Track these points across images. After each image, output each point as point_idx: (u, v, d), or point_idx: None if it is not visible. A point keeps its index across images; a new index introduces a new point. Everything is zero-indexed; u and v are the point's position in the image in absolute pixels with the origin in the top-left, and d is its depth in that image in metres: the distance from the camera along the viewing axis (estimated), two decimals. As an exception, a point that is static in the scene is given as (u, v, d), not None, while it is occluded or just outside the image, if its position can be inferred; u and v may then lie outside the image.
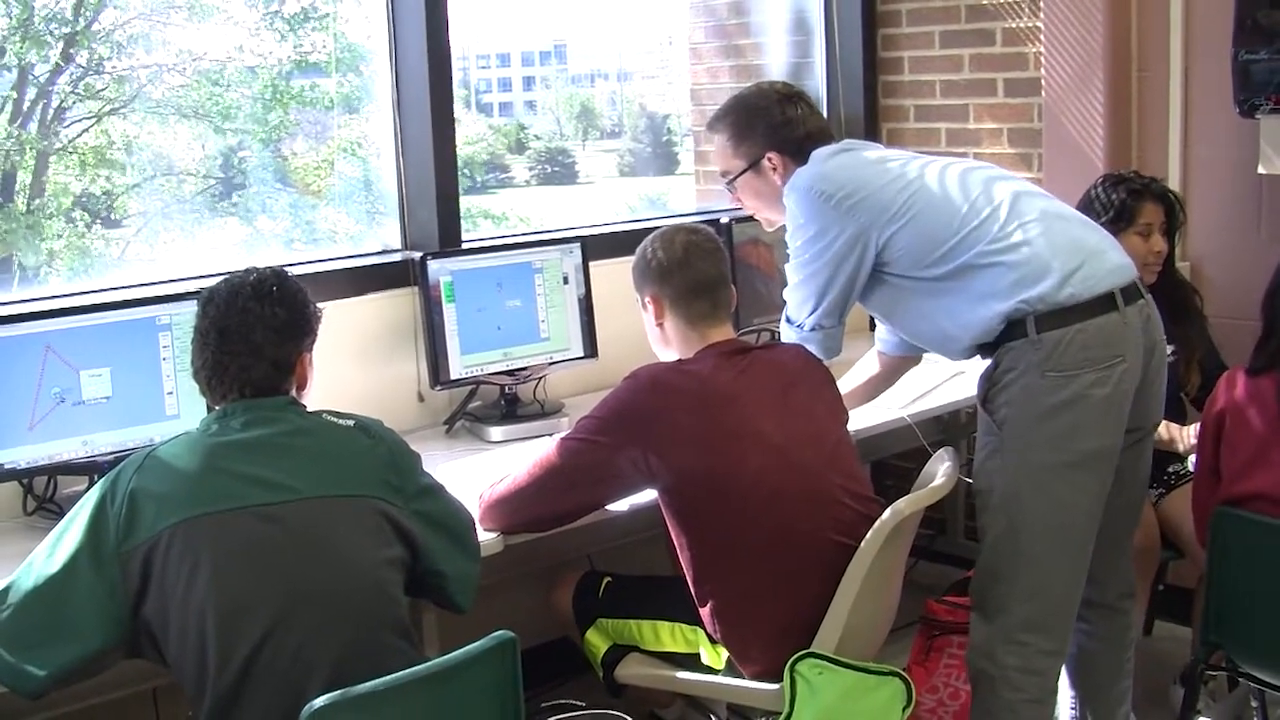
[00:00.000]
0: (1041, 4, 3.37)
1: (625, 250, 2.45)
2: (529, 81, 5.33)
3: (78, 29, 2.98)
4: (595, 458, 2.08)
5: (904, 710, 2.05)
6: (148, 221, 3.24)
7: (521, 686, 1.77)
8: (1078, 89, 3.33)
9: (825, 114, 3.06)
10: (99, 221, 3.18)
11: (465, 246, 2.95)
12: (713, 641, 2.16)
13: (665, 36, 4.67)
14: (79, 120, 3.10)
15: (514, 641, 1.74)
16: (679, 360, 2.18)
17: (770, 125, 2.37)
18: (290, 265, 2.36)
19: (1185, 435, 2.82)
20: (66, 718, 2.22)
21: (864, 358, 2.61)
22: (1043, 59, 3.40)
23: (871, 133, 3.76)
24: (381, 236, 3.02)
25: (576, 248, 2.94)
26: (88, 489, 1.82)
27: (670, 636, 2.24)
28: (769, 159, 2.37)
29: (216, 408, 1.83)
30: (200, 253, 3.21)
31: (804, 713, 2.01)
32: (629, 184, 5.22)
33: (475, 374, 2.80)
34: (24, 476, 2.24)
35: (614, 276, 2.76)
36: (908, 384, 2.74)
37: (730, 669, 2.16)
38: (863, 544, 2.05)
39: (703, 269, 2.20)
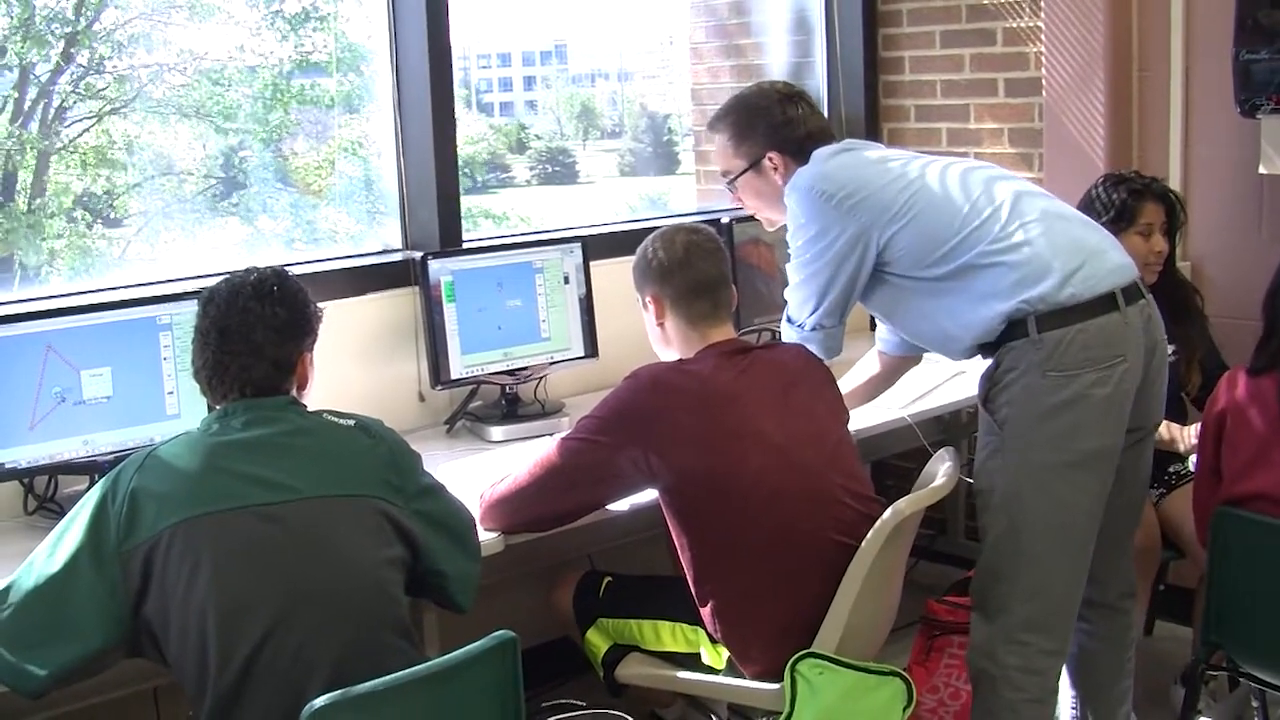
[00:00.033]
0: (1042, 4, 3.37)
1: (626, 250, 2.45)
2: (530, 81, 5.34)
3: (79, 28, 2.98)
4: (596, 457, 2.08)
5: (905, 710, 2.05)
6: (148, 221, 3.24)
7: (522, 686, 1.77)
8: (1078, 89, 3.33)
9: (826, 114, 3.05)
10: (100, 221, 3.18)
11: (466, 246, 2.95)
12: (713, 641, 2.16)
13: (666, 36, 4.67)
14: (80, 120, 3.10)
15: (514, 641, 1.74)
16: (679, 360, 2.19)
17: (771, 125, 2.37)
18: (291, 265, 2.36)
19: (1186, 435, 2.82)
20: (67, 717, 2.22)
21: (864, 357, 2.61)
22: (1043, 59, 3.40)
23: (872, 132, 3.76)
24: (382, 236, 3.02)
25: (577, 247, 2.94)
26: (88, 488, 1.82)
27: (671, 636, 2.24)
28: (770, 159, 2.37)
29: (217, 407, 1.83)
30: (201, 252, 3.21)
31: (805, 713, 2.01)
32: (630, 184, 5.22)
33: (476, 374, 2.80)
34: (25, 476, 2.24)
35: (615, 276, 2.76)
36: (908, 384, 2.74)
37: (731, 669, 2.16)
38: (863, 544, 2.05)
39: (703, 269, 2.20)
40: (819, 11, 3.86)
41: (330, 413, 1.87)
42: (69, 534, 1.71)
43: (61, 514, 1.85)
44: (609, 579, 2.40)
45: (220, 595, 1.66)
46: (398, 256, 2.91)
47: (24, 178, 3.04)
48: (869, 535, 2.05)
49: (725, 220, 3.12)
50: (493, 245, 2.98)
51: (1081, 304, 2.14)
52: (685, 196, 4.46)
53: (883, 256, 2.25)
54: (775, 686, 2.05)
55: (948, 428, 3.44)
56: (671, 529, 2.13)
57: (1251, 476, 2.25)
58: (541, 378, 2.90)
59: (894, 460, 3.59)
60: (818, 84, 3.84)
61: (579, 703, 2.56)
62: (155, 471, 1.73)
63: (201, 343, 1.83)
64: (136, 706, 2.33)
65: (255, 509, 1.71)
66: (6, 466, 2.19)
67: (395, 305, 2.83)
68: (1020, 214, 2.21)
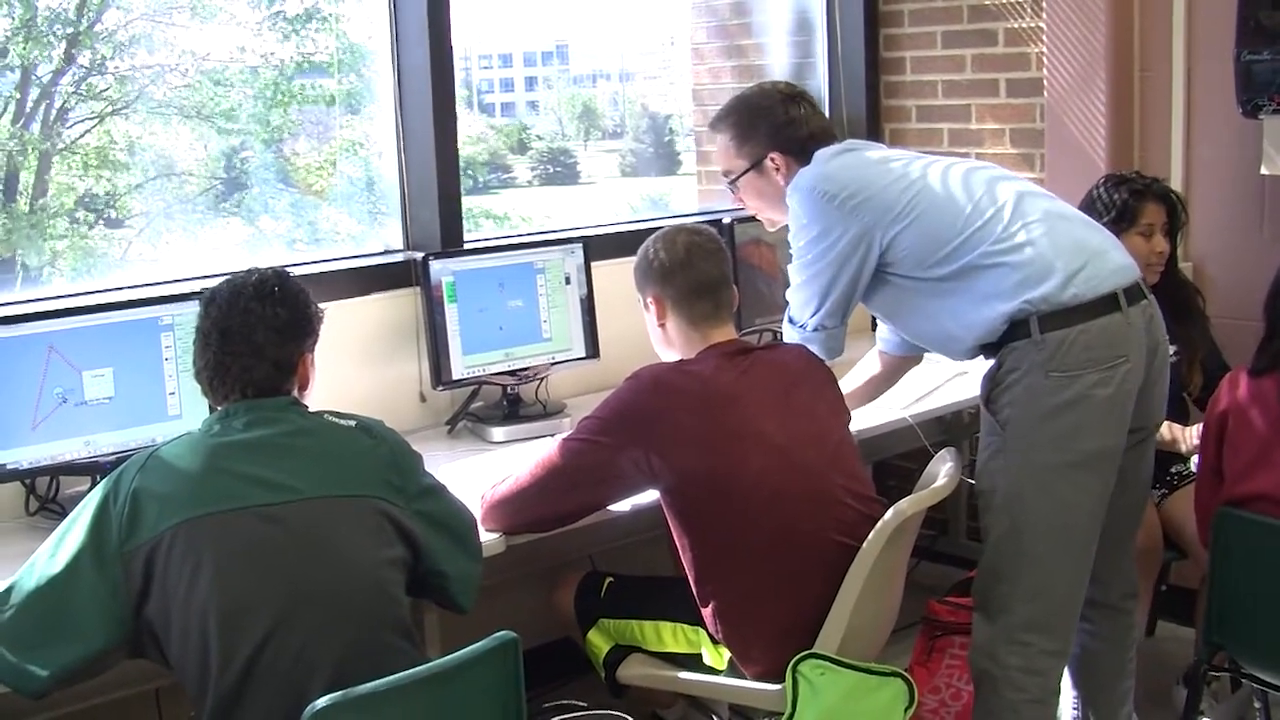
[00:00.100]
0: (1044, 4, 3.37)
1: (627, 251, 2.45)
2: (531, 82, 5.34)
3: (80, 29, 2.98)
4: (597, 458, 2.08)
5: (906, 711, 2.05)
6: (150, 222, 3.25)
7: (523, 687, 1.77)
8: (1080, 89, 3.32)
9: (827, 114, 3.05)
10: (102, 222, 3.18)
11: (467, 247, 2.95)
12: (715, 642, 2.16)
13: (667, 37, 4.67)
14: (82, 120, 3.10)
15: (516, 642, 1.74)
16: (681, 361, 2.18)
17: (773, 125, 2.37)
18: (292, 266, 2.36)
19: (1188, 436, 2.82)
20: (69, 718, 2.22)
21: (865, 358, 2.61)
22: (1045, 59, 3.40)
23: (873, 133, 3.76)
24: (383, 237, 3.02)
25: (578, 248, 2.94)
26: (90, 489, 1.82)
27: (672, 637, 2.24)
28: (772, 159, 2.37)
29: (219, 408, 1.83)
30: (203, 253, 3.21)
31: (806, 713, 2.00)
32: (631, 184, 5.22)
33: (477, 374, 2.80)
34: (26, 477, 2.24)
35: (616, 277, 2.76)
36: (910, 384, 2.74)
37: (732, 669, 2.16)
38: (865, 544, 2.04)
39: (705, 269, 2.20)
40: (820, 12, 3.86)
41: (331, 413, 1.87)
42: (70, 535, 1.71)
43: (63, 515, 1.85)
44: (610, 579, 2.40)
45: (222, 596, 1.66)
46: (399, 257, 2.91)
47: (26, 178, 3.04)
48: (870, 536, 2.04)
49: (727, 221, 3.12)
50: (494, 246, 2.98)
51: (1084, 304, 2.14)
52: (686, 197, 4.46)
53: (885, 257, 2.25)
54: (777, 687, 2.05)
55: (949, 428, 3.44)
56: (673, 529, 2.13)
57: (1253, 477, 2.25)
58: (543, 378, 2.90)
59: (895, 461, 3.59)
60: (819, 84, 3.84)
61: (580, 703, 2.55)
62: (157, 472, 1.73)
63: (203, 343, 1.83)
64: (138, 707, 2.33)
65: (256, 509, 1.71)
66: (8, 467, 2.19)
67: (396, 306, 2.83)
68: (1023, 214, 2.21)
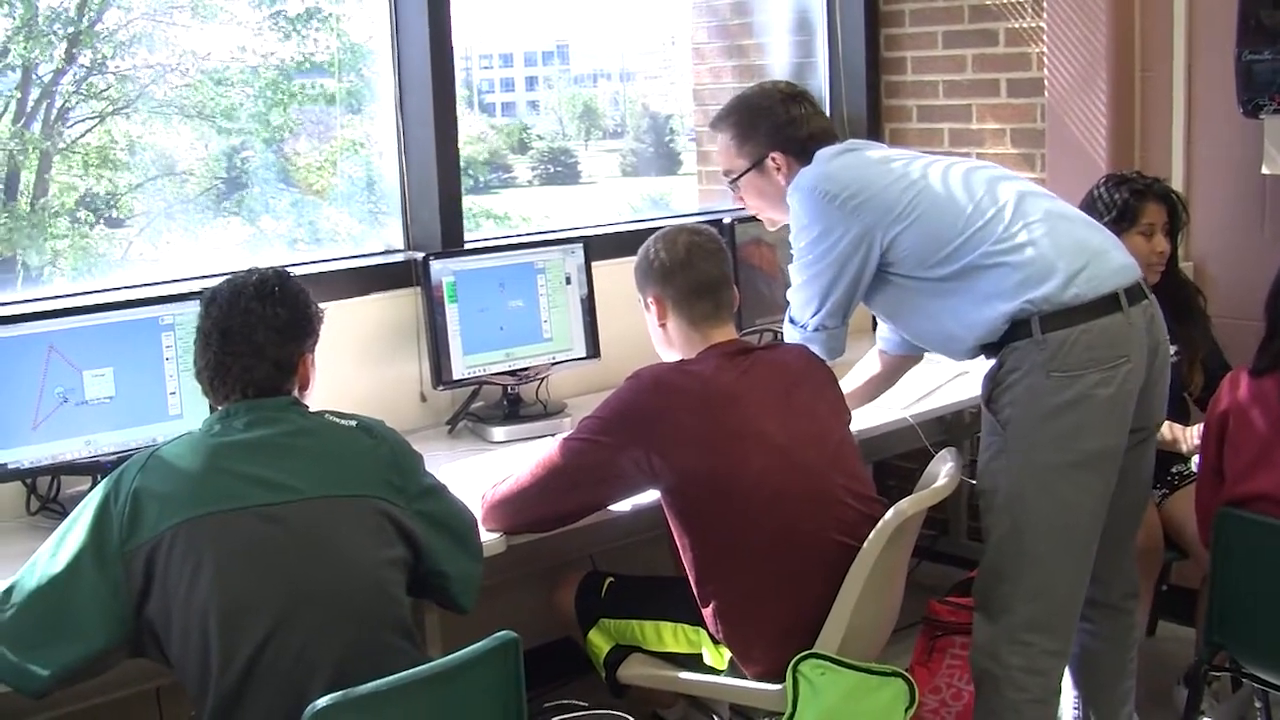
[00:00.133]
0: (1045, 4, 3.37)
1: (628, 251, 2.45)
2: (531, 81, 5.34)
3: (81, 29, 2.98)
4: (598, 458, 2.08)
5: (907, 711, 2.05)
6: (151, 221, 3.25)
7: (524, 687, 1.77)
8: (1081, 89, 3.32)
9: (828, 114, 3.05)
10: (102, 221, 3.18)
11: (468, 247, 2.95)
12: (715, 642, 2.16)
13: (668, 36, 4.67)
14: (83, 120, 3.10)
15: (516, 642, 1.74)
16: (681, 361, 2.18)
17: (774, 125, 2.37)
18: (293, 265, 2.36)
19: (1188, 435, 2.81)
20: (70, 717, 2.22)
21: (865, 357, 2.61)
22: (1046, 59, 3.40)
23: (874, 133, 3.76)
24: (384, 237, 3.02)
25: (579, 248, 2.94)
26: (91, 489, 1.82)
27: (673, 637, 2.24)
28: (773, 159, 2.37)
29: (219, 408, 1.83)
30: (203, 253, 3.21)
31: (806, 713, 2.00)
32: (631, 184, 5.22)
33: (478, 374, 2.80)
34: (27, 476, 2.24)
35: (616, 277, 2.76)
36: (910, 384, 2.74)
37: (733, 669, 2.16)
38: (865, 544, 2.04)
39: (705, 269, 2.20)
40: (821, 12, 3.85)
41: (332, 413, 1.87)
42: (71, 534, 1.71)
43: (64, 514, 1.85)
44: (611, 579, 2.40)
45: (222, 596, 1.66)
46: (399, 257, 2.91)
47: (27, 178, 3.04)
48: (871, 536, 2.04)
49: (727, 221, 3.11)
50: (495, 246, 2.98)
51: (1085, 304, 2.14)
52: (687, 197, 4.46)
53: (886, 257, 2.25)
54: (777, 687, 2.05)
55: (949, 428, 3.44)
56: (673, 529, 2.13)
57: (1254, 477, 2.25)
58: (543, 378, 2.90)
59: (896, 461, 3.59)
60: (820, 84, 3.84)
61: (581, 703, 2.55)
62: (157, 472, 1.73)
63: (203, 343, 1.83)
64: (139, 707, 2.33)
65: (257, 509, 1.71)
66: (9, 467, 2.19)
67: (397, 306, 2.83)
68: (1024, 214, 2.21)
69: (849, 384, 2.51)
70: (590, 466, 2.09)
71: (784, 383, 2.16)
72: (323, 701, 1.56)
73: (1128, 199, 2.82)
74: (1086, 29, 3.29)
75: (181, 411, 2.34)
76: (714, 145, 2.73)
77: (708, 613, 2.13)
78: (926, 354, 2.54)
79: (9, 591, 1.71)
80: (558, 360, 2.90)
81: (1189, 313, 2.88)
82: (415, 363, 2.84)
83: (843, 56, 3.80)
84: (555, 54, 5.27)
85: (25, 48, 2.89)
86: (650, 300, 2.24)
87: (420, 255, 2.77)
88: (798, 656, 2.01)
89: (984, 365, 2.28)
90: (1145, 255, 2.73)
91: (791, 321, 2.39)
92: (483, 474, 2.35)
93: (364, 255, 2.95)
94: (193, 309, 1.94)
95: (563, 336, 2.91)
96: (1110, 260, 2.22)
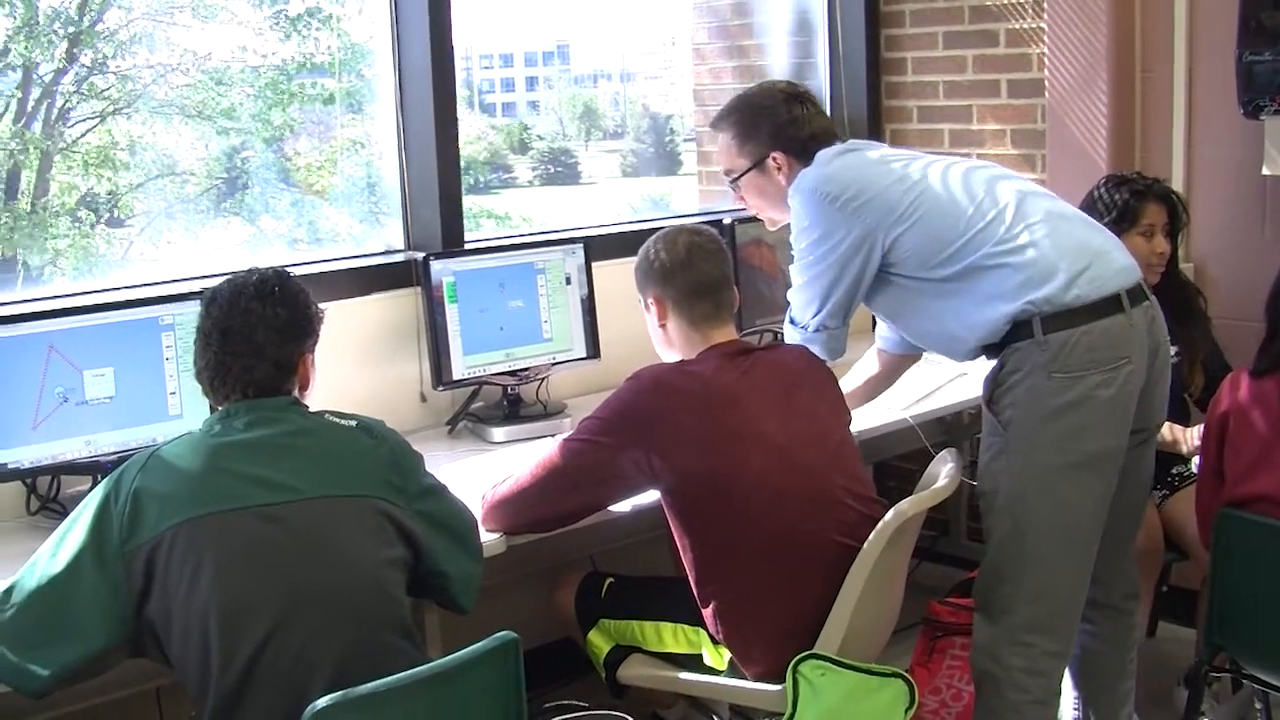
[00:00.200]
0: (1045, 5, 3.37)
1: (628, 251, 2.45)
2: (532, 82, 5.34)
3: (82, 28, 2.98)
4: (598, 458, 2.08)
5: (906, 711, 2.05)
6: (151, 221, 3.25)
7: (524, 687, 1.77)
8: (1081, 90, 3.32)
9: (828, 115, 3.05)
10: (103, 221, 3.18)
11: (468, 247, 2.95)
12: (715, 642, 2.16)
13: (668, 37, 4.67)
14: (83, 120, 3.10)
15: (516, 642, 1.74)
16: (681, 361, 2.18)
17: (775, 124, 2.37)
18: (293, 265, 2.36)
19: (1189, 436, 2.81)
20: (70, 717, 2.22)
21: (864, 357, 2.61)
22: (1046, 60, 3.40)
23: (875, 133, 3.76)
24: (384, 237, 3.02)
25: (579, 248, 2.94)
26: (91, 489, 1.82)
27: (672, 637, 2.24)
28: (774, 158, 2.37)
29: (219, 408, 1.83)
30: (204, 253, 3.21)
31: (806, 714, 2.00)
32: (632, 184, 5.22)
33: (478, 374, 2.80)
34: (27, 476, 2.24)
35: (616, 277, 2.76)
36: (910, 385, 2.74)
37: (733, 670, 2.16)
38: (865, 545, 2.04)
39: (705, 270, 2.20)
40: (821, 12, 3.85)
41: (332, 413, 1.87)
42: (71, 534, 1.71)
43: (64, 514, 1.85)
44: (611, 580, 2.40)
45: (222, 596, 1.66)
46: (400, 257, 2.91)
47: (27, 178, 3.04)
48: (871, 536, 2.04)
49: (727, 221, 3.11)
50: (495, 246, 2.98)
51: (1087, 306, 2.14)
52: (687, 197, 4.46)
53: (888, 258, 2.25)
54: (777, 688, 2.05)
55: (950, 429, 3.44)
56: (673, 530, 2.13)
57: (1254, 478, 2.25)
58: (543, 379, 2.90)
59: (896, 461, 3.59)
60: (820, 85, 3.83)
61: (581, 704, 2.55)
62: (158, 472, 1.73)
63: (204, 343, 1.83)
64: (139, 707, 2.33)
65: (257, 509, 1.71)
66: (9, 466, 2.19)
67: (397, 306, 2.83)
68: (1024, 216, 2.21)
69: (848, 384, 2.51)
70: (590, 467, 2.09)
71: (784, 383, 2.16)
72: (323, 701, 1.56)
73: (1128, 200, 2.82)
74: (1087, 30, 3.29)
75: (181, 411, 2.34)
76: (714, 146, 2.73)
77: (708, 613, 2.13)
78: (926, 354, 2.54)
79: (9, 591, 1.71)
80: (558, 360, 2.90)
81: (1189, 314, 2.88)
82: (415, 363, 2.84)
83: (843, 57, 3.80)
84: (555, 54, 5.27)
85: (26, 47, 2.89)
86: (650, 301, 2.24)
87: (420, 255, 2.77)
88: (798, 657, 2.01)
89: (984, 366, 2.28)
90: (1145, 256, 2.73)
91: (792, 322, 2.39)
92: (483, 474, 2.35)
93: (364, 255, 2.95)
94: (193, 309, 1.94)
95: (563, 337, 2.91)
96: (1112, 261, 2.22)
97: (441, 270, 2.75)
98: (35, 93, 2.98)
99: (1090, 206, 2.81)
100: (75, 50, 2.97)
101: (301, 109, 3.31)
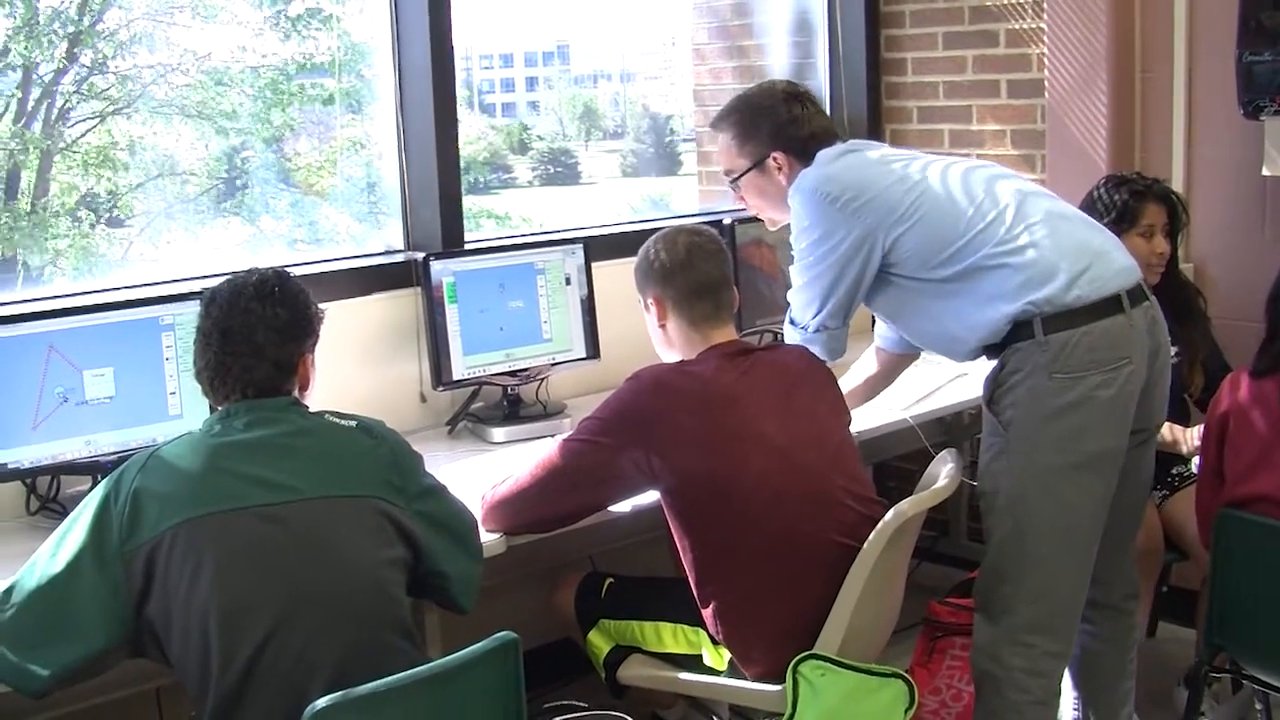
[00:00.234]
0: (1045, 5, 3.37)
1: (628, 251, 2.45)
2: (532, 82, 5.34)
3: (82, 28, 2.98)
4: (597, 459, 2.08)
5: (906, 712, 2.05)
6: (151, 221, 3.25)
7: (524, 687, 1.77)
8: (1081, 90, 3.32)
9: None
10: (103, 221, 3.18)
11: (468, 247, 2.95)
12: (715, 643, 2.16)
13: (668, 37, 4.67)
14: (83, 120, 3.10)
15: (516, 642, 1.74)
16: (681, 361, 2.18)
17: (776, 124, 2.37)
18: (293, 266, 2.36)
19: (1189, 437, 2.82)
20: (70, 717, 2.22)
21: (862, 356, 2.61)
22: (1046, 60, 3.40)
23: (874, 134, 3.76)
24: (384, 237, 3.02)
25: (579, 249, 2.94)
26: (91, 489, 1.82)
27: (672, 638, 2.24)
28: (774, 158, 2.37)
29: (219, 408, 1.83)
30: (203, 253, 3.21)
31: (806, 714, 2.00)
32: (631, 185, 5.22)
33: (477, 375, 2.80)
34: (27, 476, 2.24)
35: (616, 277, 2.76)
36: (910, 386, 2.74)
37: (732, 670, 2.16)
38: (865, 545, 2.04)
39: (705, 270, 2.20)
40: (821, 13, 3.85)
41: (332, 413, 1.87)
42: (71, 534, 1.71)
43: (64, 514, 1.85)
44: (610, 580, 2.40)
45: (222, 596, 1.66)
46: (400, 257, 2.91)
47: (27, 178, 3.04)
48: (871, 537, 2.04)
49: (727, 222, 3.11)
50: (495, 246, 2.98)
51: (1087, 306, 2.14)
52: (687, 197, 4.46)
53: (888, 258, 2.25)
54: (777, 688, 2.05)
55: (949, 429, 3.44)
56: (673, 530, 2.13)
57: (1254, 478, 2.25)
58: (543, 379, 2.90)
59: (896, 462, 3.59)
60: (820, 85, 3.83)
61: (581, 704, 2.55)
62: (157, 472, 1.73)
63: (203, 344, 1.83)
64: (139, 707, 2.33)
65: (257, 510, 1.71)
66: (9, 466, 2.19)
67: (397, 306, 2.83)
68: (1025, 216, 2.21)
69: (847, 383, 2.51)
70: (590, 467, 2.09)
71: (784, 384, 2.16)
72: (322, 702, 1.56)
73: (1128, 200, 2.82)
74: (1087, 30, 3.29)
75: (181, 411, 2.34)
76: (714, 146, 2.73)
77: (707, 613, 2.13)
78: (926, 354, 2.54)
79: (9, 591, 1.71)
80: (557, 361, 2.90)
81: (1189, 314, 2.88)
82: (415, 363, 2.84)
83: (843, 57, 3.80)
84: (555, 54, 5.27)
85: (26, 47, 2.89)
86: (650, 301, 2.24)
87: (420, 255, 2.77)
88: (798, 657, 2.01)
89: (984, 366, 2.28)
90: (1145, 256, 2.73)
91: (792, 323, 2.39)
92: (482, 475, 2.35)
93: (364, 255, 2.95)
94: (193, 309, 1.94)
95: (562, 337, 2.91)
96: (1113, 262, 2.22)
97: (441, 270, 2.75)
98: (35, 93, 2.98)
99: (1090, 207, 2.81)
100: (75, 50, 2.97)
101: (301, 109, 3.31)
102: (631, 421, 2.07)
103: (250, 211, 3.34)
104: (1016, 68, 3.53)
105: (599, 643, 2.32)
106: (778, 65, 4.02)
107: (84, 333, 2.26)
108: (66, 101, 3.04)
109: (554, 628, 2.51)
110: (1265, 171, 3.05)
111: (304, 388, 1.89)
